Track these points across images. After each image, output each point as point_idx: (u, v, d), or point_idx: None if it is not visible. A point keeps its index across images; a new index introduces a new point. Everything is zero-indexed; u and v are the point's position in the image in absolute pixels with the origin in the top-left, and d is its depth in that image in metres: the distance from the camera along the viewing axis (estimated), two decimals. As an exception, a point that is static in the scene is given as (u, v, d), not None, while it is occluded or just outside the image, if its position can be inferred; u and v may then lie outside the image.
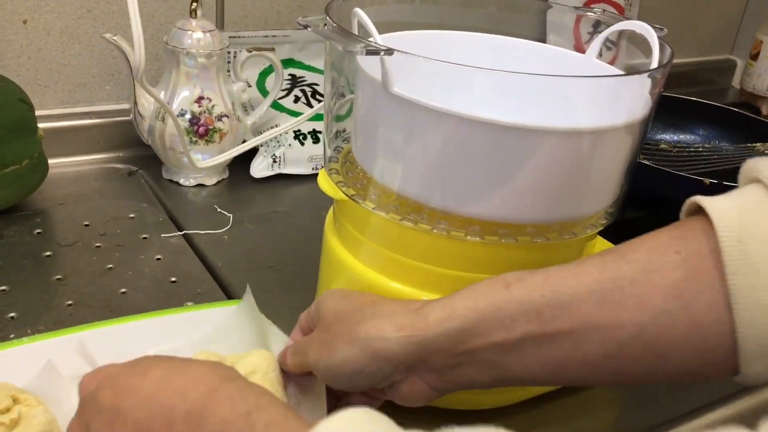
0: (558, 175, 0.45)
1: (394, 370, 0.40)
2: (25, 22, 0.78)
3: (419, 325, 0.40)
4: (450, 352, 0.39)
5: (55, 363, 0.47)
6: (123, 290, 0.62)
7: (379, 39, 0.46)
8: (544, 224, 0.47)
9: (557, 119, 0.43)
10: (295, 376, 0.47)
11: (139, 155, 0.83)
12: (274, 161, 0.84)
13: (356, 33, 0.49)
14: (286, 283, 0.65)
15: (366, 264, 0.50)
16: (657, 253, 0.36)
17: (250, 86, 0.84)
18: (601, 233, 0.53)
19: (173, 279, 0.64)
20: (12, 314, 0.57)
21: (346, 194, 0.50)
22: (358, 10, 0.48)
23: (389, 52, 0.42)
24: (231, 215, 0.75)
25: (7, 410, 0.42)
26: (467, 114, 0.43)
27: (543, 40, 0.59)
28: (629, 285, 0.36)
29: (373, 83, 0.46)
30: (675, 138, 0.93)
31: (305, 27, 0.44)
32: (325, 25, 0.45)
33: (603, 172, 0.47)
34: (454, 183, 0.45)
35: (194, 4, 0.76)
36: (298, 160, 0.85)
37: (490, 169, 0.44)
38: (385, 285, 0.49)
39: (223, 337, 0.52)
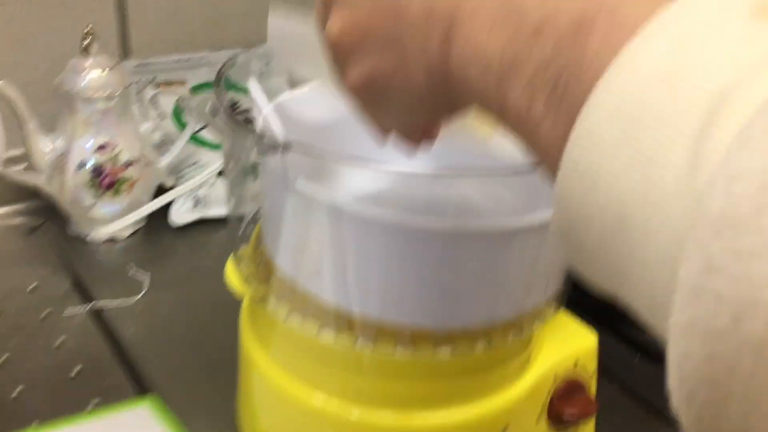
0: (488, 277, 0.38)
1: None
2: None
3: None
4: None
5: None
6: (18, 389, 0.54)
7: (278, 125, 0.38)
8: (480, 328, 0.40)
9: (481, 214, 0.36)
10: None
11: (42, 206, 0.74)
12: (197, 203, 0.76)
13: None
14: (209, 364, 0.58)
15: (284, 367, 0.43)
16: None
17: (164, 119, 0.75)
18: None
19: (77, 369, 0.56)
20: None
21: (256, 295, 0.43)
22: (252, 82, 0.40)
23: (287, 147, 0.35)
24: (147, 275, 0.67)
25: None
26: (372, 215, 0.36)
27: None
28: None
29: (273, 173, 0.38)
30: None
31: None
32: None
33: (543, 264, 0.40)
34: (369, 289, 0.38)
35: (87, 39, 0.67)
36: (223, 199, 0.77)
37: (405, 273, 0.37)
38: (304, 396, 0.42)
39: None
